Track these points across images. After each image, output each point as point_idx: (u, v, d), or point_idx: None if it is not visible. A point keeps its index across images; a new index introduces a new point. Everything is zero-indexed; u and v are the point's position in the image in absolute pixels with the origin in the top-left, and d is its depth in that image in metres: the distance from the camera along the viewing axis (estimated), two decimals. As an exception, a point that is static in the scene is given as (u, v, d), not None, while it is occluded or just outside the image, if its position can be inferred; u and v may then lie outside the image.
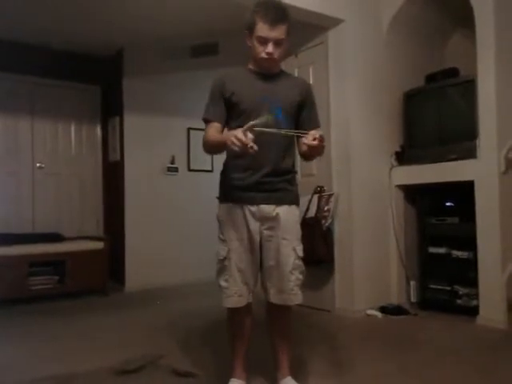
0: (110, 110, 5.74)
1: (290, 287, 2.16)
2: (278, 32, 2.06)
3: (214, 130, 2.16)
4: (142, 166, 5.48)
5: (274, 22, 2.04)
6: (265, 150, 2.11)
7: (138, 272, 5.34)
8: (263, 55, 2.10)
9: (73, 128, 5.76)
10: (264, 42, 2.08)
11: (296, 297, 2.18)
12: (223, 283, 2.16)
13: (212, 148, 2.16)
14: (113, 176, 5.71)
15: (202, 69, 5.19)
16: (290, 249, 2.16)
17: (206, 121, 2.21)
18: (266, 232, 2.16)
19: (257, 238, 2.16)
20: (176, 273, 5.50)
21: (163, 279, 5.39)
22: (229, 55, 4.85)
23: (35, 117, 5.47)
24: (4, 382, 2.54)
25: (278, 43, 2.09)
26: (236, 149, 1.82)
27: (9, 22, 4.69)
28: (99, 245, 5.01)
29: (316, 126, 2.31)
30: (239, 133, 1.82)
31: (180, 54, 5.37)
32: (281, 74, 2.27)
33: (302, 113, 2.27)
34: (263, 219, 2.15)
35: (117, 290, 5.17)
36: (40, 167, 5.48)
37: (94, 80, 5.81)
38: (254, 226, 2.15)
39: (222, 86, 2.18)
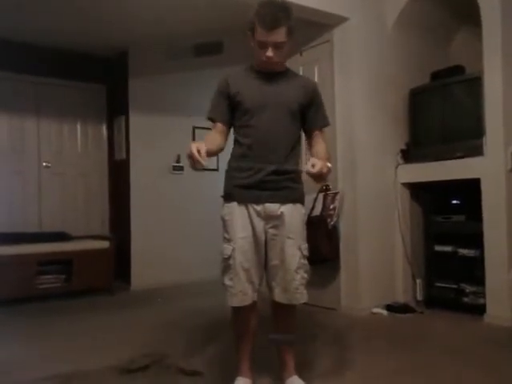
0: (116, 109, 5.75)
1: (295, 286, 2.15)
2: (277, 36, 2.04)
3: (214, 133, 2.20)
4: (148, 165, 5.48)
5: (271, 27, 2.02)
6: (269, 149, 2.12)
7: (143, 271, 5.35)
8: (263, 59, 2.11)
9: (79, 127, 5.78)
10: (263, 46, 2.07)
11: (301, 296, 2.18)
12: (228, 282, 2.15)
13: None
14: (118, 175, 5.72)
15: (207, 68, 5.19)
16: (295, 248, 2.15)
17: (210, 119, 2.25)
18: (270, 231, 2.16)
19: (262, 236, 2.15)
20: (182, 272, 5.50)
21: (169, 278, 5.39)
22: (233, 53, 4.85)
23: (41, 116, 5.49)
24: (9, 380, 2.55)
25: (277, 46, 2.07)
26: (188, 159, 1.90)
27: (14, 23, 4.70)
28: (105, 244, 5.03)
29: (323, 125, 2.32)
30: (194, 147, 1.87)
31: (184, 53, 5.37)
32: (286, 73, 2.26)
33: (309, 113, 2.27)
34: (268, 218, 2.15)
35: (122, 289, 5.18)
36: (46, 166, 5.50)
37: (100, 79, 5.82)
38: (259, 224, 2.15)
39: (226, 85, 2.19)
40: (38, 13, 4.48)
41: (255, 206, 2.14)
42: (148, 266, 5.35)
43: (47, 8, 4.37)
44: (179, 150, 5.69)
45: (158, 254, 5.41)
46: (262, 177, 2.13)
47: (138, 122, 5.47)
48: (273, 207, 2.15)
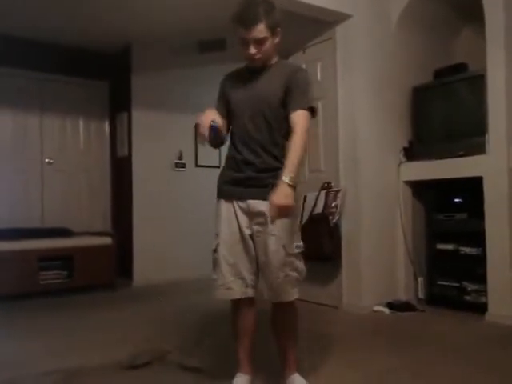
0: (118, 105, 5.76)
1: (278, 283, 2.12)
2: (255, 32, 2.02)
3: None
4: (150, 162, 5.49)
5: (248, 24, 2.01)
6: (253, 147, 2.14)
7: (145, 267, 5.36)
8: (246, 56, 2.11)
9: (81, 124, 5.79)
10: (244, 43, 2.07)
11: (286, 294, 2.15)
12: (213, 275, 2.21)
13: None
14: (121, 171, 5.73)
15: (210, 64, 5.20)
16: (279, 245, 2.11)
17: None
18: (255, 227, 2.16)
19: (247, 232, 2.16)
20: (183, 268, 5.51)
21: (171, 274, 5.40)
22: (236, 50, 4.82)
23: (44, 113, 5.51)
24: (11, 376, 2.55)
25: (259, 42, 2.06)
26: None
27: (17, 20, 4.70)
28: (107, 240, 5.04)
29: (295, 108, 2.09)
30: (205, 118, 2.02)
31: (188, 50, 5.36)
32: (273, 65, 2.19)
33: (286, 98, 2.12)
34: (251, 215, 2.15)
35: (125, 285, 5.19)
36: (49, 163, 5.52)
37: (103, 76, 5.82)
38: (244, 221, 2.16)
39: (222, 86, 2.25)
40: (40, 10, 4.49)
41: (240, 203, 2.16)
42: (150, 262, 5.37)
43: (49, 5, 4.37)
44: (182, 146, 5.71)
45: (160, 250, 5.42)
46: (246, 174, 2.15)
47: (141, 119, 5.47)
48: (256, 204, 2.14)
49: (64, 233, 5.07)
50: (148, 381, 2.49)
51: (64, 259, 4.78)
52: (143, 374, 2.56)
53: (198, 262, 5.50)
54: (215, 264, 2.20)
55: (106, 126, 5.96)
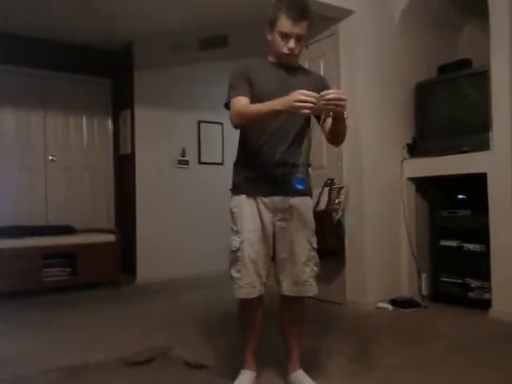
0: (121, 103, 5.75)
1: (305, 278, 2.17)
2: (301, 28, 2.05)
3: (246, 102, 2.08)
4: (153, 159, 5.49)
5: (297, 18, 2.03)
6: (279, 141, 2.13)
7: (149, 264, 5.37)
8: (285, 50, 2.10)
9: (84, 121, 5.79)
10: (286, 37, 2.07)
11: (311, 288, 2.20)
12: (235, 274, 2.15)
13: (250, 117, 2.06)
14: (124, 169, 5.73)
15: (212, 61, 5.19)
16: (305, 240, 2.17)
17: (234, 97, 2.12)
18: (279, 223, 2.16)
19: (270, 229, 2.16)
20: (187, 265, 5.52)
21: (174, 272, 5.41)
22: (238, 47, 4.85)
23: (47, 110, 5.51)
24: (14, 373, 2.56)
25: (299, 39, 2.09)
26: (301, 106, 1.82)
27: (21, 17, 4.71)
28: (110, 237, 5.04)
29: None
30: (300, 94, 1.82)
31: (190, 47, 5.35)
32: (299, 67, 2.27)
33: None
34: (276, 210, 2.15)
35: (128, 282, 5.19)
36: (52, 160, 5.52)
37: (105, 73, 5.82)
38: (268, 217, 2.15)
39: (246, 72, 2.15)
40: (42, 8, 4.48)
41: (264, 199, 2.14)
42: (153, 259, 5.37)
43: (51, 2, 4.37)
44: (185, 144, 5.70)
45: (163, 247, 5.43)
46: (270, 169, 2.13)
47: (144, 116, 5.47)
48: (281, 200, 2.15)
49: (67, 230, 5.08)
50: (151, 377, 2.49)
51: (67, 256, 4.79)
52: (146, 370, 2.56)
53: (201, 258, 5.54)
54: (236, 262, 2.14)
55: (109, 124, 5.96)
